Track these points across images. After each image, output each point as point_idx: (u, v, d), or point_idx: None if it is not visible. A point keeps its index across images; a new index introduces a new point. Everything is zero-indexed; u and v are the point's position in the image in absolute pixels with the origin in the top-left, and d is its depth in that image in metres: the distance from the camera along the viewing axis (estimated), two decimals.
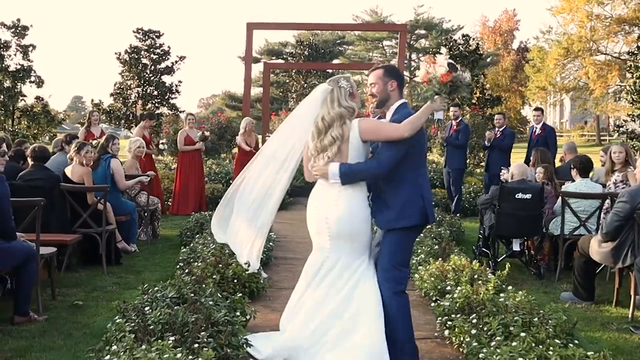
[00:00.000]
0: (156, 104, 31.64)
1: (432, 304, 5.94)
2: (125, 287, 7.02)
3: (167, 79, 32.23)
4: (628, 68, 25.44)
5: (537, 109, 12.78)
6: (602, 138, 50.22)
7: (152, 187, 10.23)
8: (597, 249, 6.39)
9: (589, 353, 3.94)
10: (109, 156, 8.95)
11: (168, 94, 32.05)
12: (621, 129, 23.98)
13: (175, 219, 11.79)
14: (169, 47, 31.99)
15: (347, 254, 4.40)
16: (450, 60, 4.28)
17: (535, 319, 4.64)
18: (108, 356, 3.77)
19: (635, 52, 23.82)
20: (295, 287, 4.63)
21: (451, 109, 12.54)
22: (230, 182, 15.02)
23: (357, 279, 4.39)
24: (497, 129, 12.56)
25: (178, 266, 6.89)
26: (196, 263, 6.42)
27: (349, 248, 4.39)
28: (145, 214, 9.80)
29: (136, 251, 8.94)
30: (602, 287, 7.13)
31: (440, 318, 5.42)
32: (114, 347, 3.89)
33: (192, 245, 7.61)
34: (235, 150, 18.50)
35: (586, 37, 42.26)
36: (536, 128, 12.17)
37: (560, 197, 7.77)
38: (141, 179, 9.66)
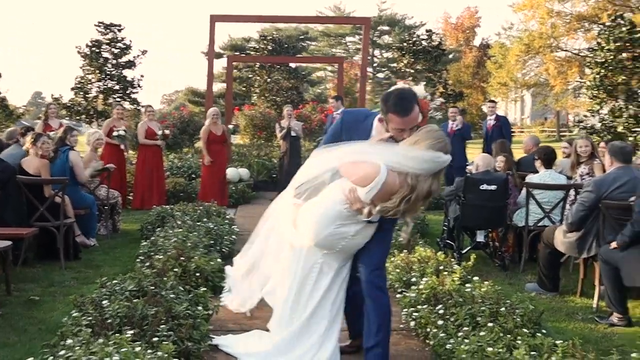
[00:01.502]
0: (117, 99, 31.14)
1: (398, 296, 5.87)
2: (83, 282, 6.83)
3: (128, 73, 31.77)
4: (588, 64, 25.79)
5: (490, 101, 12.98)
6: (562, 134, 50.82)
7: (112, 180, 10.00)
8: (562, 239, 6.39)
9: (557, 342, 3.89)
10: (67, 148, 8.72)
11: (129, 88, 31.58)
12: (581, 124, 24.30)
13: (136, 214, 11.56)
14: (130, 40, 31.54)
15: (335, 259, 4.25)
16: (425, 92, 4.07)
17: (503, 309, 4.60)
18: (63, 351, 3.61)
19: (595, 48, 24.14)
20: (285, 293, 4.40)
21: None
22: (193, 175, 14.88)
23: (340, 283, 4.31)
24: (452, 122, 12.58)
25: (138, 260, 6.72)
26: (157, 256, 6.25)
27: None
28: (106, 208, 9.58)
29: (95, 245, 8.73)
30: (567, 277, 7.16)
31: (405, 309, 5.35)
32: (69, 342, 3.72)
33: (153, 238, 7.43)
34: (199, 144, 18.23)
35: (547, 33, 42.69)
36: (490, 120, 12.28)
37: (524, 188, 7.77)
38: (98, 164, 9.62)
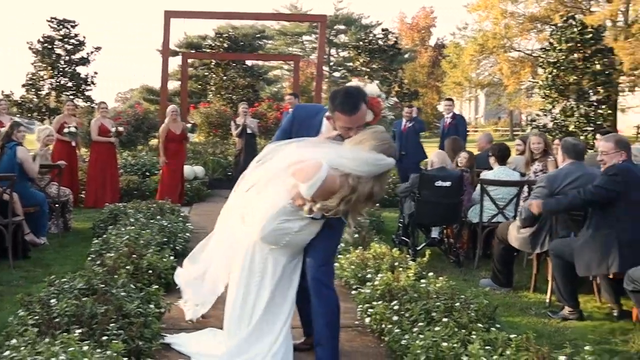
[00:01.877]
0: (70, 96, 30.54)
1: (353, 292, 5.85)
2: (32, 281, 6.66)
3: (82, 70, 31.15)
4: (540, 64, 26.16)
5: (447, 99, 13.07)
6: (515, 133, 51.57)
7: (63, 177, 9.80)
8: (516, 235, 6.45)
9: (511, 336, 3.90)
10: (14, 144, 8.48)
11: (83, 85, 30.98)
12: (534, 123, 24.66)
13: (88, 212, 11.34)
14: (84, 37, 30.93)
15: (282, 254, 4.16)
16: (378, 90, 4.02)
17: (457, 304, 4.60)
18: (8, 351, 3.49)
19: (547, 48, 24.51)
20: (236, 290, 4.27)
21: None
22: (147, 173, 14.66)
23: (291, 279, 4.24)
24: (406, 122, 12.63)
25: (89, 258, 6.57)
26: (108, 254, 6.12)
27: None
28: (57, 206, 9.37)
29: (46, 244, 8.52)
30: (520, 273, 7.22)
31: (360, 306, 5.32)
32: (14, 342, 3.60)
33: (105, 236, 7.28)
34: (154, 141, 17.97)
35: (500, 34, 43.23)
36: (447, 118, 12.37)
37: (479, 185, 7.83)
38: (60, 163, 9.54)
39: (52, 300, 4.38)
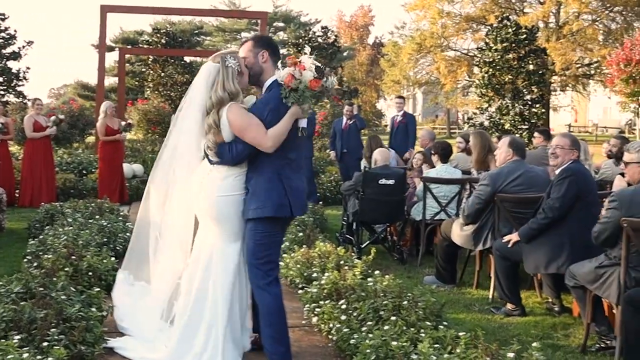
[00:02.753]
0: (1, 91, 29.60)
1: (299, 292, 5.81)
2: None
3: (13, 64, 30.20)
4: (476, 64, 26.63)
5: (399, 97, 13.10)
6: (452, 131, 52.42)
7: None
8: (459, 232, 6.51)
9: (460, 334, 3.92)
10: None
11: (15, 80, 30.05)
12: (471, 121, 25.09)
13: (23, 211, 10.98)
14: (15, 30, 30.00)
15: (218, 237, 4.17)
16: (318, 64, 3.94)
17: (405, 302, 4.60)
18: None
19: (483, 48, 24.96)
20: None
21: None
22: (84, 172, 14.30)
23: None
24: (346, 120, 12.64)
25: (25, 260, 6.34)
26: (46, 256, 5.92)
27: (218, 231, 4.16)
28: None
29: None
30: (461, 270, 7.27)
31: (307, 305, 5.28)
32: None
33: (41, 237, 7.04)
34: (91, 139, 17.45)
35: (437, 33, 43.88)
36: (397, 116, 12.39)
37: (421, 183, 7.88)
38: None
39: None
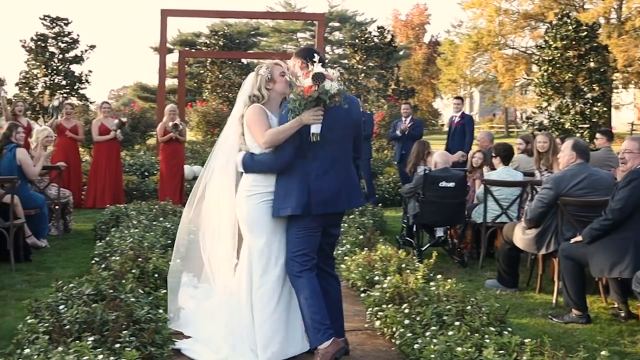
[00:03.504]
0: (64, 94, 30.41)
1: (362, 295, 5.82)
2: (36, 285, 6.61)
3: (76, 68, 30.97)
4: (535, 62, 26.18)
5: (457, 97, 12.94)
6: (510, 130, 51.65)
7: (66, 177, 9.77)
8: (521, 236, 6.43)
9: (526, 340, 3.89)
10: (13, 146, 8.39)
11: (77, 83, 30.82)
12: (530, 120, 24.70)
13: (88, 213, 11.28)
14: (78, 35, 30.74)
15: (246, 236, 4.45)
16: (320, 70, 4.03)
17: (469, 307, 4.58)
18: None
19: (543, 46, 24.53)
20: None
21: None
22: (146, 174, 14.60)
23: None
24: (404, 119, 12.59)
25: (93, 261, 6.52)
26: (113, 257, 6.08)
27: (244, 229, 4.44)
28: (56, 207, 9.31)
29: (47, 246, 8.46)
30: (524, 273, 7.19)
31: (370, 309, 5.30)
32: (27, 351, 3.56)
33: (108, 239, 7.22)
34: (152, 141, 17.74)
35: (495, 31, 43.35)
36: (456, 117, 12.27)
37: (482, 185, 7.81)
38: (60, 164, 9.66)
39: (61, 307, 4.34)
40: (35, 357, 3.41)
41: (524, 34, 44.58)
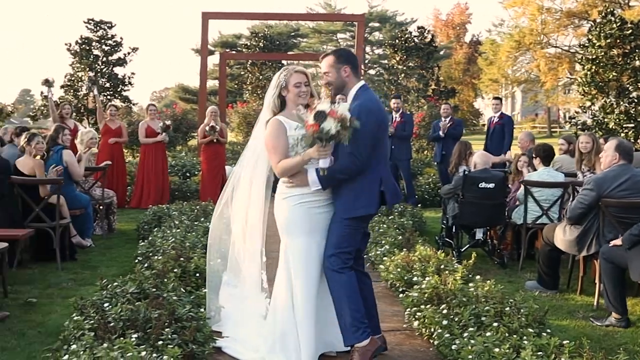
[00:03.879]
0: (108, 96, 30.96)
1: (400, 295, 5.85)
2: (81, 283, 6.77)
3: (119, 70, 31.49)
4: (579, 60, 25.81)
5: (496, 98, 12.84)
6: (552, 130, 51.00)
7: (110, 178, 9.99)
8: (562, 237, 6.37)
9: (564, 342, 3.87)
10: (59, 147, 8.61)
11: (120, 86, 31.35)
12: (573, 120, 24.36)
13: (131, 213, 11.49)
14: (121, 38, 31.24)
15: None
16: (324, 109, 4.01)
17: (507, 309, 4.58)
18: (67, 356, 3.56)
19: (586, 45, 24.18)
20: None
21: (392, 100, 12.82)
22: (187, 174, 14.80)
23: None
24: (444, 119, 12.53)
25: (137, 260, 6.66)
26: (156, 257, 6.20)
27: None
28: (101, 208, 9.52)
29: (92, 246, 8.66)
30: (565, 275, 7.12)
31: (408, 309, 5.32)
32: (73, 347, 3.68)
33: (150, 238, 7.37)
34: (193, 142, 17.91)
35: (537, 30, 42.85)
36: (494, 117, 12.18)
37: (523, 186, 7.76)
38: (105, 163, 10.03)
39: (105, 305, 4.46)
40: (82, 352, 3.52)
41: (567, 33, 44.04)
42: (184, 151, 19.62)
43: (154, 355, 3.61)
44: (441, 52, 52.28)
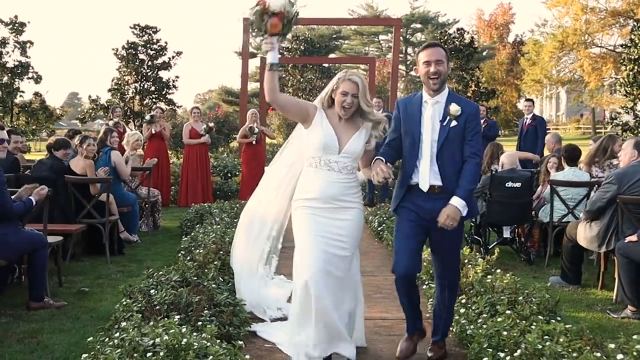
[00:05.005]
0: (153, 99, 31.81)
1: (424, 287, 6.19)
2: (128, 275, 7.26)
3: (164, 74, 32.32)
4: (622, 60, 25.70)
5: (527, 99, 13.06)
6: (597, 130, 50.42)
7: (154, 178, 10.55)
8: (584, 234, 6.65)
9: (567, 326, 4.18)
10: (108, 149, 9.17)
11: (165, 89, 32.17)
12: (615, 121, 24.28)
13: (175, 211, 12.04)
14: (165, 42, 32.10)
15: None
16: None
17: (520, 298, 4.90)
18: (117, 333, 4.01)
19: (629, 44, 24.09)
20: None
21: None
22: (229, 175, 15.33)
23: None
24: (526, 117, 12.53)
25: (180, 254, 7.13)
26: (198, 250, 6.66)
27: None
28: (146, 206, 10.05)
29: (138, 241, 9.19)
30: (590, 271, 7.37)
31: (431, 300, 5.66)
32: (123, 324, 4.13)
33: (192, 234, 7.85)
34: (235, 144, 18.35)
35: (581, 30, 42.51)
36: (527, 119, 12.39)
37: (549, 186, 8.02)
38: (152, 161, 10.79)
39: (152, 291, 4.92)
40: (131, 329, 3.97)
41: (611, 32, 43.57)
42: (226, 152, 20.21)
43: (194, 334, 4.03)
44: (484, 53, 52.18)
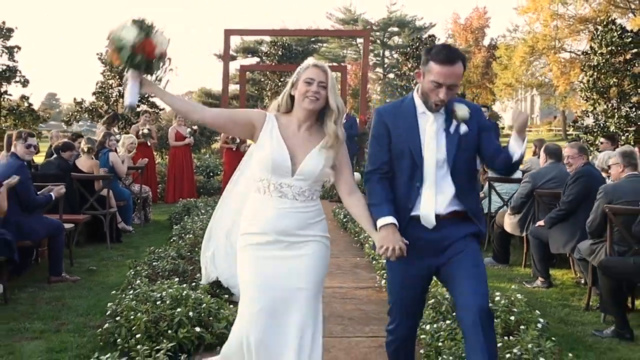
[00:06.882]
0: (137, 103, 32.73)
1: (373, 262, 7.54)
2: (127, 258, 8.44)
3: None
4: (582, 67, 27.10)
5: (483, 106, 14.33)
6: (567, 132, 51.97)
7: (144, 176, 11.82)
8: (509, 221, 8.06)
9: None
10: (106, 150, 10.43)
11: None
12: (576, 124, 25.68)
13: (163, 207, 13.32)
14: None
15: None
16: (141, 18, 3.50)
17: None
18: (131, 291, 5.31)
19: (588, 52, 25.49)
20: None
21: None
22: (211, 174, 16.63)
23: None
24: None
25: (172, 240, 8.40)
26: (188, 235, 7.95)
27: None
28: (139, 201, 11.31)
29: (132, 231, 10.47)
30: (520, 253, 8.71)
31: (378, 272, 7.00)
32: (138, 282, 5.45)
33: (182, 224, 9.14)
34: (216, 145, 19.62)
35: (550, 35, 44.03)
36: None
37: (487, 182, 9.38)
38: (143, 161, 11.97)
39: (154, 263, 6.24)
40: (142, 286, 5.28)
41: (579, 38, 45.10)
42: (208, 153, 21.45)
43: (192, 292, 5.34)
44: None
